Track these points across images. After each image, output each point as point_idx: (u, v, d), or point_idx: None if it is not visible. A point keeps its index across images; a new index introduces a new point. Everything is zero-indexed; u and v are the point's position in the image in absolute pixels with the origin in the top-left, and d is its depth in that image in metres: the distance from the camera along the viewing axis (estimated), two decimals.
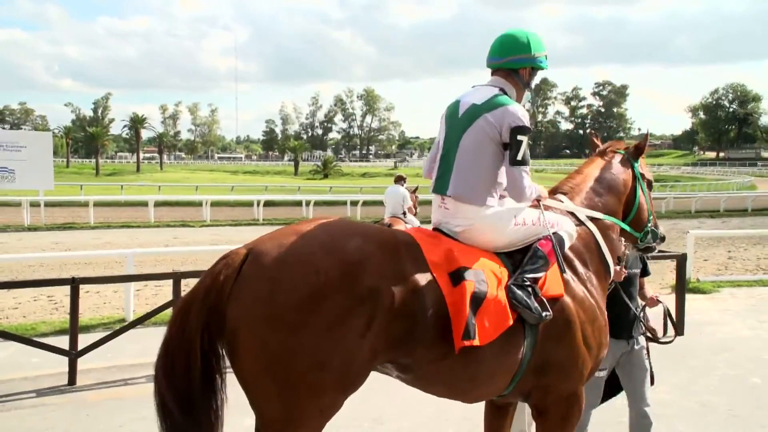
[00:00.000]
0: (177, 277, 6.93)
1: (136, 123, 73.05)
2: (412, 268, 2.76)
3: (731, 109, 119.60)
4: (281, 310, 2.52)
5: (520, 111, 3.04)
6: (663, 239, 3.92)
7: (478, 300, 2.79)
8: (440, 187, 3.17)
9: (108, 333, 6.81)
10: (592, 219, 3.48)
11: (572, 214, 3.45)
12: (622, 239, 3.75)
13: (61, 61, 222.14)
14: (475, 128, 3.06)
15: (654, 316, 4.32)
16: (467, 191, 3.06)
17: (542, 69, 3.28)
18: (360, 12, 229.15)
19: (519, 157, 3.01)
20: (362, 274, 2.62)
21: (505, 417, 3.59)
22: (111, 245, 16.07)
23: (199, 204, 25.98)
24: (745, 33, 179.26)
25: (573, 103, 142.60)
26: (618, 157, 3.80)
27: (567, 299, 3.08)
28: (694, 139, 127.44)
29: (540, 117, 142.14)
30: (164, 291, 9.94)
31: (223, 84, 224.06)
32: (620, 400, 4.24)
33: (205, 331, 2.58)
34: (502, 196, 3.15)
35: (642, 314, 4.14)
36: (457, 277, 2.81)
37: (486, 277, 2.88)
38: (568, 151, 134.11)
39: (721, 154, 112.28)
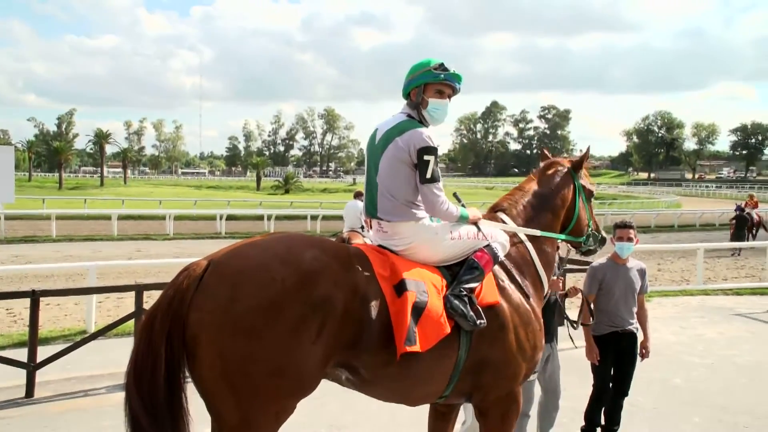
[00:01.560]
0: (139, 289, 6.79)
1: (101, 138, 70.99)
2: (362, 279, 2.84)
3: (660, 135, 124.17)
4: (240, 317, 2.54)
5: (425, 133, 3.13)
6: (603, 241, 4.03)
7: (419, 309, 2.87)
8: (371, 211, 3.24)
9: (68, 345, 6.61)
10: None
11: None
12: (560, 250, 3.94)
13: (26, 77, 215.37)
14: (387, 154, 3.14)
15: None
16: (395, 212, 3.14)
17: (424, 84, 3.23)
18: (322, 36, 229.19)
19: (428, 176, 3.10)
20: (317, 283, 2.67)
21: (448, 422, 3.65)
22: (73, 258, 15.51)
23: (163, 218, 25.40)
24: (671, 67, 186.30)
25: (521, 125, 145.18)
26: (560, 172, 3.88)
27: (502, 305, 3.18)
28: (628, 160, 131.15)
29: (490, 138, 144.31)
30: (126, 303, 9.73)
31: (188, 101, 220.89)
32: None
33: (169, 340, 2.58)
34: None
35: (562, 304, 4.56)
36: (400, 288, 2.90)
37: (427, 288, 2.96)
38: (516, 170, 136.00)
39: (652, 175, 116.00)
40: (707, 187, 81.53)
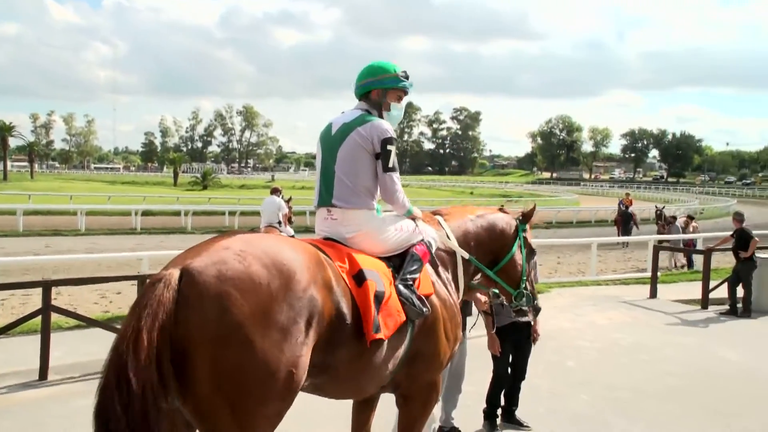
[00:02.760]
0: (47, 285, 6.44)
1: (4, 130, 65.46)
2: (331, 274, 2.80)
3: (561, 137, 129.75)
4: (231, 328, 2.37)
5: (386, 125, 3.22)
6: (538, 310, 4.06)
7: (379, 298, 2.91)
8: (325, 200, 3.24)
9: None
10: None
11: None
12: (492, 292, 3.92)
13: None
14: (348, 142, 3.17)
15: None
16: (351, 198, 3.18)
17: (390, 88, 3.35)
18: (241, 33, 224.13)
19: (390, 165, 3.18)
20: (299, 283, 2.57)
21: (371, 410, 3.66)
22: None
23: (74, 213, 23.91)
24: (571, 75, 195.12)
25: (435, 126, 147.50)
26: (507, 216, 3.96)
27: (434, 298, 3.25)
28: (533, 160, 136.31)
29: (406, 137, 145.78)
30: (34, 300, 9.21)
31: (102, 95, 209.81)
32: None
33: (158, 357, 2.32)
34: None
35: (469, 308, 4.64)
36: (359, 278, 2.90)
37: (380, 277, 2.99)
38: (430, 168, 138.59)
39: (554, 175, 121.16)
40: (602, 186, 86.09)
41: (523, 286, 3.84)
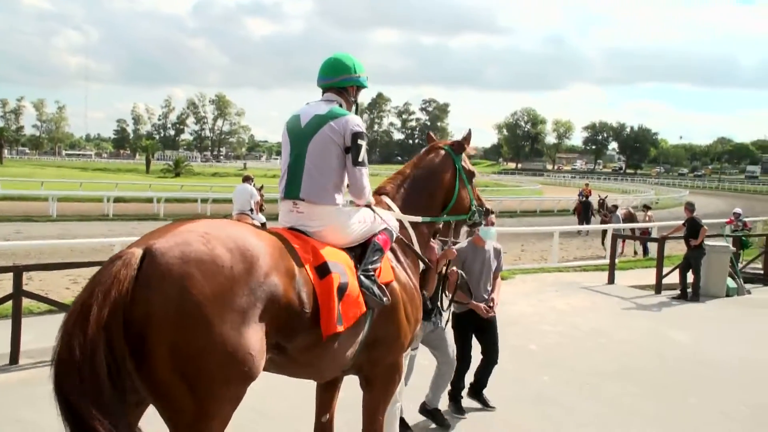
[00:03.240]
0: (18, 271, 6.29)
1: None
2: (293, 262, 2.78)
3: (526, 129, 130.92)
4: (192, 310, 2.34)
5: (357, 120, 3.19)
6: (488, 212, 4.18)
7: (342, 290, 2.89)
8: (291, 192, 3.16)
9: None
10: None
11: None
12: (437, 242, 3.98)
13: None
14: (320, 135, 3.10)
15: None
16: (319, 193, 3.11)
17: (365, 87, 3.39)
18: (215, 23, 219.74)
19: (360, 159, 3.15)
20: (261, 268, 2.56)
21: (334, 391, 3.65)
22: None
23: (45, 199, 23.38)
24: (536, 69, 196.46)
25: (404, 117, 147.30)
26: (441, 154, 3.85)
27: (394, 283, 3.24)
28: (499, 151, 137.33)
29: (376, 127, 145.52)
30: (4, 285, 8.96)
31: (73, 82, 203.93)
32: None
33: (107, 334, 2.27)
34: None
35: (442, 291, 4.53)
36: (323, 270, 2.88)
37: (345, 270, 2.97)
38: (400, 158, 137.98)
39: (519, 165, 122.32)
40: (564, 177, 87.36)
41: (474, 206, 3.92)
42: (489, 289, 5.23)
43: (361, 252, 3.18)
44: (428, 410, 4.92)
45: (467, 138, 3.95)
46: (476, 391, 5.29)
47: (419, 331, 4.28)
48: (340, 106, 3.24)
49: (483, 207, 4.03)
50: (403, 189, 3.72)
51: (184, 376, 2.36)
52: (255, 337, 2.50)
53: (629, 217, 17.61)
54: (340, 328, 2.83)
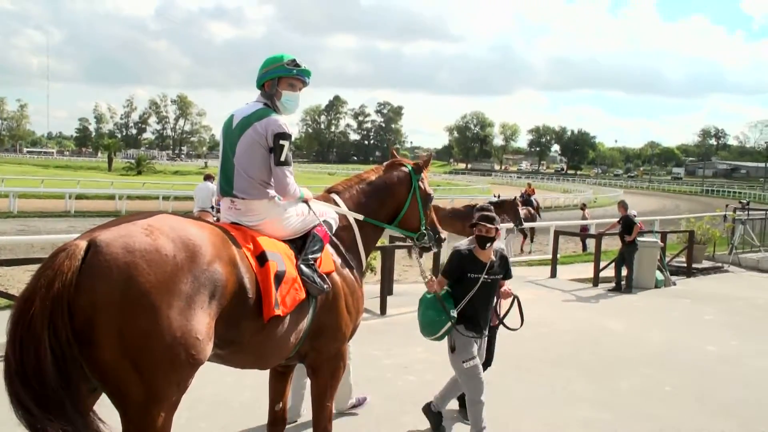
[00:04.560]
0: None
1: None
2: (235, 252, 2.80)
3: (475, 131, 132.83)
4: (137, 296, 2.35)
5: (281, 120, 3.16)
6: (440, 240, 3.99)
7: (279, 277, 2.90)
8: (226, 191, 3.19)
9: None
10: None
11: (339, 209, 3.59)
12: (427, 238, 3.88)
13: None
14: (246, 137, 3.11)
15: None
16: (250, 190, 3.13)
17: (280, 77, 3.24)
18: (176, 25, 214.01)
19: (282, 159, 3.12)
20: (204, 257, 2.58)
21: (286, 380, 3.69)
22: None
23: (6, 196, 22.44)
24: (485, 74, 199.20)
25: (360, 118, 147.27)
26: (401, 169, 3.89)
27: (335, 275, 3.27)
28: (450, 152, 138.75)
29: (333, 128, 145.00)
30: None
31: (35, 81, 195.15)
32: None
33: (52, 325, 2.26)
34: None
35: (497, 308, 4.50)
36: (261, 258, 2.90)
37: (282, 258, 2.99)
38: (355, 158, 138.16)
39: (469, 166, 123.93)
40: (511, 176, 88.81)
41: (423, 228, 3.86)
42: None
43: (302, 243, 3.21)
44: (432, 412, 4.68)
45: (427, 161, 4.05)
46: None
47: (477, 344, 4.29)
48: (268, 105, 3.22)
49: (436, 233, 3.96)
50: (355, 190, 3.74)
51: (131, 360, 2.37)
52: (201, 323, 2.52)
53: (529, 218, 17.08)
54: (278, 312, 2.86)
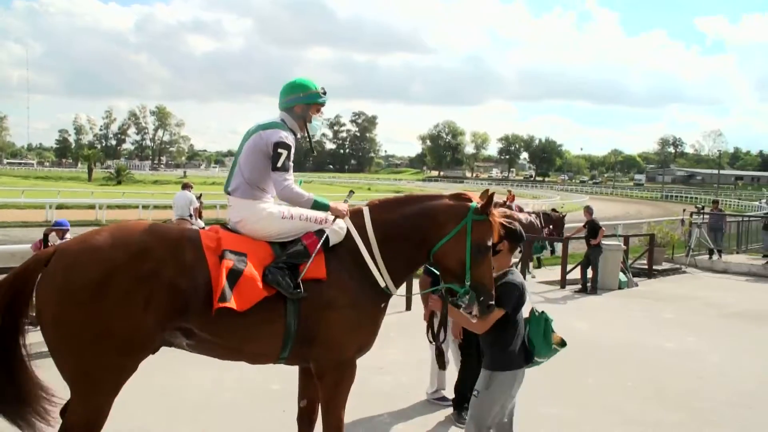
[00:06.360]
0: None
1: None
2: (189, 254, 2.94)
3: (447, 140, 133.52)
4: (72, 292, 2.71)
5: (284, 133, 3.26)
6: (488, 307, 3.11)
7: (235, 274, 2.94)
8: (226, 186, 3.39)
9: None
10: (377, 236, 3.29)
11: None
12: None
13: None
14: (250, 142, 3.30)
15: None
16: (241, 189, 3.27)
17: (312, 103, 3.43)
18: (156, 39, 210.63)
19: (278, 165, 3.21)
20: (143, 262, 2.81)
21: (312, 377, 3.47)
22: None
23: None
24: (457, 85, 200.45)
25: (336, 128, 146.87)
26: (460, 202, 3.29)
27: (329, 285, 3.12)
28: (423, 160, 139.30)
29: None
30: None
31: (15, 94, 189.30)
32: None
33: (9, 310, 2.82)
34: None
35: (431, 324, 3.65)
36: (221, 257, 2.97)
37: (248, 258, 3.03)
38: (331, 167, 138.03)
39: (442, 173, 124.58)
40: (482, 183, 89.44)
41: (468, 281, 3.11)
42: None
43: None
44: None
45: (487, 201, 3.19)
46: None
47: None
48: (284, 122, 3.37)
49: (487, 297, 3.10)
50: (392, 207, 3.40)
51: (67, 345, 2.76)
52: (136, 318, 2.76)
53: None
54: (227, 305, 2.86)
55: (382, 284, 3.25)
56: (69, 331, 2.73)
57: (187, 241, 3.00)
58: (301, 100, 3.41)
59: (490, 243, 3.20)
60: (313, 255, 3.13)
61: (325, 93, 3.46)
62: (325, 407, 3.33)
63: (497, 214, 3.26)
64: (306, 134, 3.47)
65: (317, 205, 3.29)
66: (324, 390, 3.29)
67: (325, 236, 3.20)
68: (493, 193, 3.20)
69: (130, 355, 2.84)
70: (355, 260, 3.25)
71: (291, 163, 3.27)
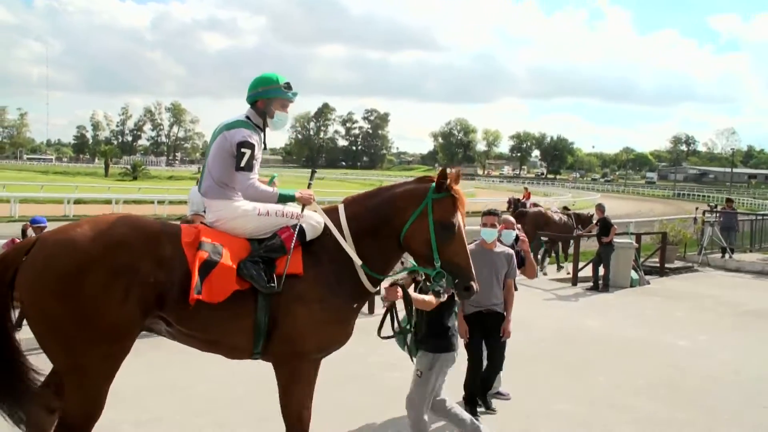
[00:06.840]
0: None
1: None
2: (167, 248, 2.95)
3: (459, 137, 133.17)
4: (51, 281, 2.73)
5: (246, 131, 3.20)
6: (466, 289, 3.06)
7: (208, 266, 2.94)
8: (199, 188, 3.41)
9: None
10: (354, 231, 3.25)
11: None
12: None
13: None
14: (217, 143, 3.28)
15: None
16: (212, 189, 3.27)
17: (275, 98, 3.31)
18: (171, 37, 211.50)
19: (241, 165, 3.19)
20: (120, 254, 2.82)
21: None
22: None
23: (7, 201, 22.23)
24: (469, 83, 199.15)
25: (348, 125, 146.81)
26: (419, 185, 3.29)
27: (302, 279, 3.07)
28: (435, 157, 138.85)
29: (322, 134, 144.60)
30: None
31: (35, 91, 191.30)
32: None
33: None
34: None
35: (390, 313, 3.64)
36: (197, 249, 2.98)
37: (223, 251, 3.01)
38: (344, 163, 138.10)
39: None
40: (493, 180, 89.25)
41: (438, 263, 3.05)
42: (499, 294, 4.73)
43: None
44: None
45: (456, 176, 3.22)
46: (482, 392, 4.93)
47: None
48: (249, 119, 3.31)
49: (465, 279, 3.05)
50: (359, 204, 3.37)
51: (52, 334, 2.78)
52: (115, 307, 2.77)
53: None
54: (198, 297, 2.86)
55: (364, 279, 3.21)
56: (53, 321, 2.75)
57: (165, 236, 2.99)
58: (261, 95, 3.31)
59: (455, 219, 3.12)
60: (291, 250, 3.07)
61: (289, 88, 3.31)
62: (281, 396, 3.18)
63: (459, 189, 3.20)
64: (265, 130, 3.34)
65: (284, 198, 3.24)
66: (279, 378, 3.18)
67: (299, 228, 3.13)
68: (445, 168, 3.18)
69: (115, 342, 2.85)
70: (331, 257, 3.20)
71: (256, 162, 3.22)
